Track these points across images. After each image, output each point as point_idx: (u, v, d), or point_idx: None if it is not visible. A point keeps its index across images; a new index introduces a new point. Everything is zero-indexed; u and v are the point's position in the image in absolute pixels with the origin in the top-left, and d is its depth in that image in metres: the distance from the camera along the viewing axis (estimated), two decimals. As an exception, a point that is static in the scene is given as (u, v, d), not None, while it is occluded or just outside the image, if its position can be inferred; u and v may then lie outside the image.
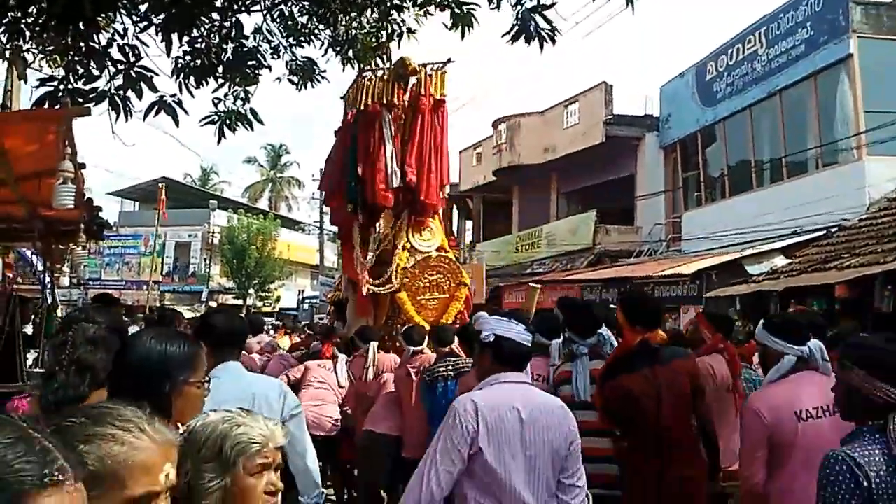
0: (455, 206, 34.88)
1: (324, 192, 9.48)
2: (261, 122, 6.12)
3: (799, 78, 15.62)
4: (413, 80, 7.36)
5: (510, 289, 21.01)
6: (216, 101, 6.00)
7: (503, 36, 5.23)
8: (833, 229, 13.17)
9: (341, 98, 8.51)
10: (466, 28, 5.68)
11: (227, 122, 5.95)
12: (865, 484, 2.15)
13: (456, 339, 5.55)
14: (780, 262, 13.11)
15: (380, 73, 7.30)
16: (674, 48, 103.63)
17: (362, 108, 7.28)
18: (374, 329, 6.95)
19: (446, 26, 5.59)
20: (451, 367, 5.28)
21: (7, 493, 0.88)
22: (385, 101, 7.24)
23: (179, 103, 5.35)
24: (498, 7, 5.13)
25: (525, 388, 2.98)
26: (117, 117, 5.10)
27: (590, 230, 22.02)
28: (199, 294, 38.25)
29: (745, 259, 13.52)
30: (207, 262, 39.55)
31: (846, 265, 10.37)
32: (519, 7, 5.16)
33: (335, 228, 9.66)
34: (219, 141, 5.99)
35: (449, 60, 7.46)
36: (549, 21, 5.12)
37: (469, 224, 34.49)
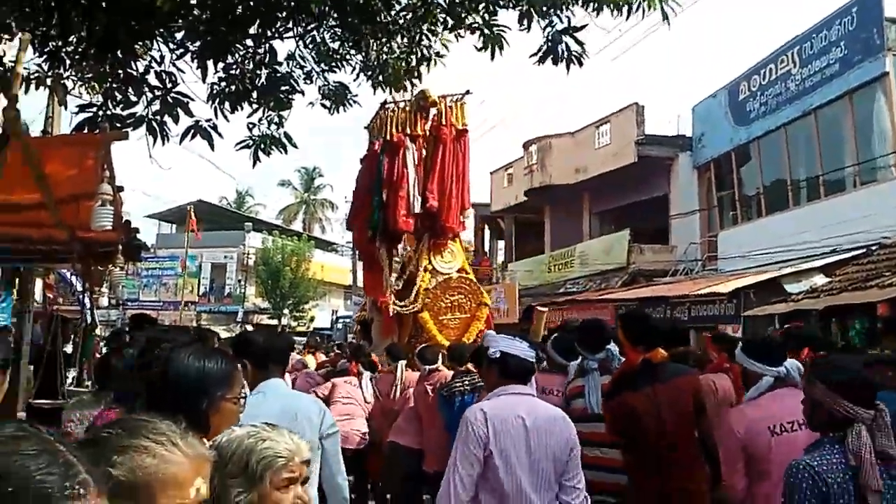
0: (487, 227, 34.90)
1: (347, 218, 9.83)
2: (294, 145, 6.22)
3: (834, 97, 15.43)
4: (433, 111, 7.63)
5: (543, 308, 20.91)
6: (251, 125, 6.11)
7: (531, 56, 5.26)
8: (874, 247, 12.91)
9: (365, 128, 8.75)
10: (497, 49, 5.72)
11: (262, 146, 6.06)
12: (824, 490, 2.43)
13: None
14: (819, 280, 12.87)
15: (402, 104, 7.55)
16: (705, 68, 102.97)
17: (388, 138, 7.56)
18: (402, 348, 7.11)
19: (477, 48, 5.64)
20: (467, 383, 5.51)
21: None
22: (408, 132, 7.52)
23: (215, 128, 5.47)
24: (528, 29, 5.15)
25: (529, 399, 3.27)
26: (154, 141, 5.24)
27: (623, 249, 21.86)
28: (235, 314, 38.68)
29: (783, 278, 13.31)
30: (243, 282, 40.00)
31: (888, 283, 10.14)
32: (549, 29, 5.18)
33: None
34: (254, 164, 6.10)
35: (467, 92, 7.68)
36: (580, 43, 5.14)
37: (501, 244, 34.45)
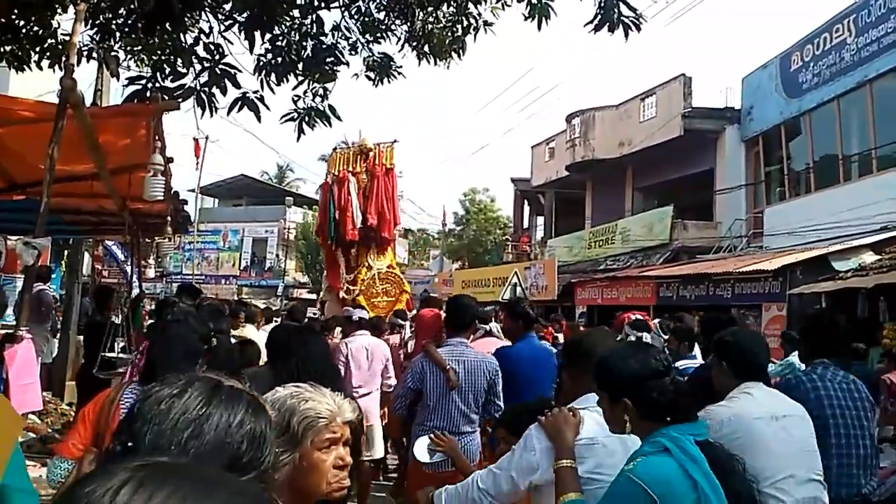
0: (526, 202, 34.68)
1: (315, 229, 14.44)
2: (339, 118, 6.18)
3: (891, 67, 14.91)
4: (370, 154, 10.36)
5: (583, 284, 20.75)
6: (295, 98, 6.09)
7: (585, 25, 5.14)
8: (927, 224, 12.55)
9: (324, 160, 11.78)
10: (543, 19, 5.61)
11: (307, 118, 6.04)
12: None
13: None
14: (868, 258, 12.56)
15: (347, 149, 10.58)
16: (757, 37, 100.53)
17: (336, 173, 10.38)
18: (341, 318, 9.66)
19: (525, 16, 5.53)
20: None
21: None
22: (351, 169, 10.30)
23: (262, 99, 5.47)
24: None
25: (370, 337, 7.03)
26: (202, 113, 5.26)
27: (666, 226, 21.56)
28: (275, 288, 39.17)
29: (831, 255, 12.98)
30: (283, 257, 40.44)
31: (942, 262, 9.86)
32: (601, -5, 5.05)
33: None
34: (298, 138, 6.09)
35: (395, 140, 10.55)
36: (632, 8, 5.01)
37: (541, 220, 34.24)
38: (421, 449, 3.52)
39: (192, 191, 42.14)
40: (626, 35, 5.03)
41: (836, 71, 16.59)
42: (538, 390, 4.77)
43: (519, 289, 17.26)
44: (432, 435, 3.52)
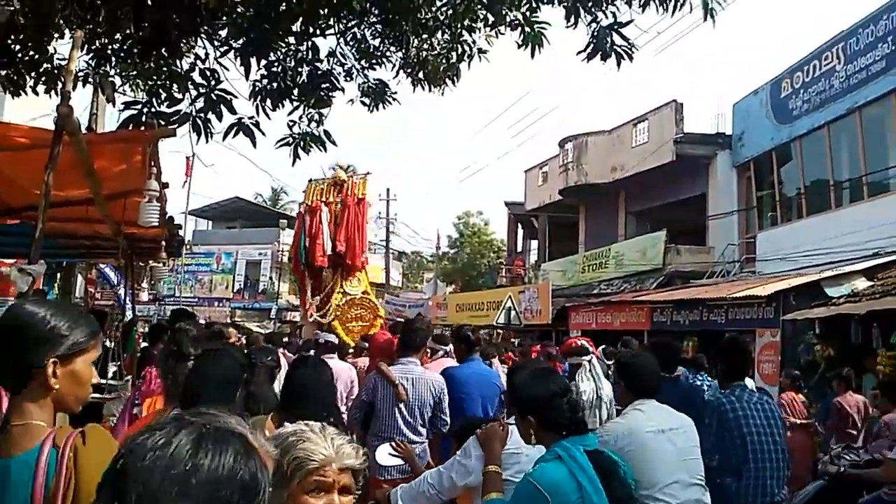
0: (520, 226, 34.75)
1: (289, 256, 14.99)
2: (334, 143, 6.23)
3: (879, 94, 15.07)
4: (344, 185, 10.95)
5: (577, 309, 20.73)
6: (291, 123, 6.14)
7: (578, 54, 5.20)
8: (919, 250, 12.59)
9: (302, 192, 12.05)
10: (536, 47, 5.68)
11: (302, 143, 6.08)
12: None
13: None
14: (861, 284, 12.58)
15: (322, 180, 11.32)
16: (748, 65, 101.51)
17: (310, 203, 11.00)
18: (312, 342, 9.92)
19: (518, 44, 5.60)
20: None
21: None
22: (324, 199, 10.90)
23: (257, 125, 5.51)
24: (575, 25, 5.09)
25: (337, 360, 7.13)
26: (199, 138, 5.29)
27: (659, 251, 21.60)
28: (269, 311, 39.02)
29: (824, 281, 13.00)
30: (276, 280, 40.34)
31: (933, 288, 9.88)
32: (594, 25, 5.11)
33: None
34: (293, 162, 6.14)
35: (368, 173, 11.33)
36: (625, 38, 5.07)
37: (534, 243, 34.28)
38: (383, 455, 4.03)
39: (186, 213, 42.25)
40: (619, 64, 5.10)
41: (825, 98, 16.75)
42: (476, 406, 5.68)
43: (513, 313, 17.19)
44: (393, 443, 4.04)
